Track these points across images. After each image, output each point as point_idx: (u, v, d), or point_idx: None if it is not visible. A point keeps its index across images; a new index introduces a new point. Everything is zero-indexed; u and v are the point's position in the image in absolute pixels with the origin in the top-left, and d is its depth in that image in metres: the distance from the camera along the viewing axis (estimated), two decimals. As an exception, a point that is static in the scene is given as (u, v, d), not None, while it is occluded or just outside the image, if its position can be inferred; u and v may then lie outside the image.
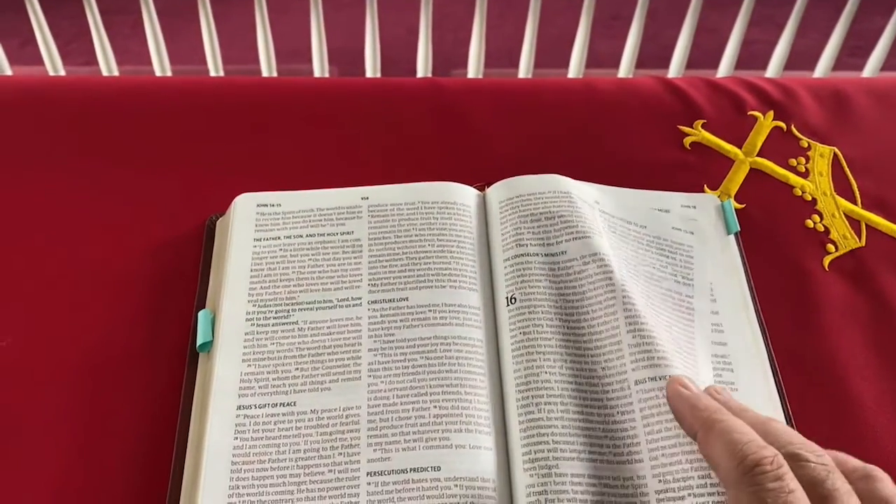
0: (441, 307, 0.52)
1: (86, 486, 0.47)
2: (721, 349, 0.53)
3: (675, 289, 0.55)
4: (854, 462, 0.38)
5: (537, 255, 0.54)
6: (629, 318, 0.49)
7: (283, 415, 0.48)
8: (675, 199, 0.60)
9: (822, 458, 0.36)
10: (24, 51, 1.46)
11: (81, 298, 0.55)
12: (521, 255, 0.54)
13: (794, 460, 0.35)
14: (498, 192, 0.58)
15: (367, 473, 0.46)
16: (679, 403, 0.42)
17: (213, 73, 1.13)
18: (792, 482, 0.34)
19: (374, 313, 0.52)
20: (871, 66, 1.14)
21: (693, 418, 0.40)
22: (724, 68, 1.15)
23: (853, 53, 1.32)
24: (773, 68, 1.16)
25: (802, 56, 1.21)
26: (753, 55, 1.22)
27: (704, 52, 1.25)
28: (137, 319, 0.54)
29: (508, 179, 0.58)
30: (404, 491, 0.45)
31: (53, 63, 1.10)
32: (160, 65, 1.11)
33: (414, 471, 0.45)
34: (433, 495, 0.44)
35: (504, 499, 0.45)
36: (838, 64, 1.14)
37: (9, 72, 1.12)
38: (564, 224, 0.55)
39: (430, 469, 0.45)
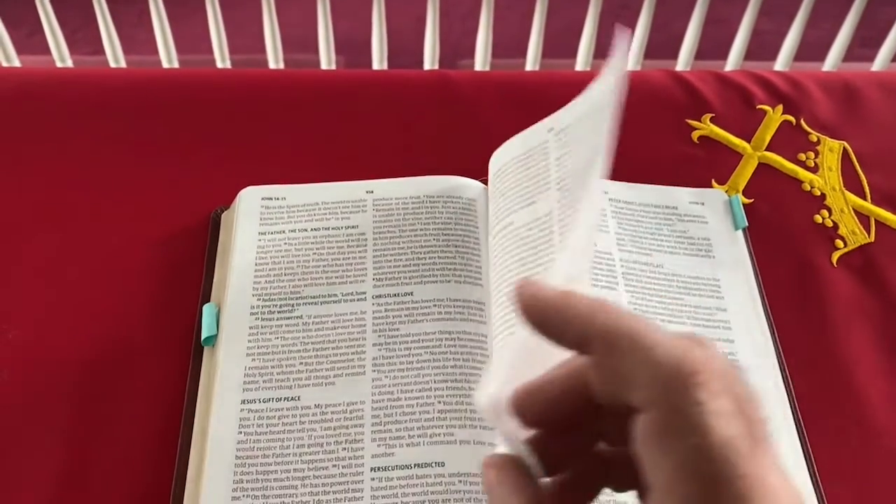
0: (446, 302, 0.52)
1: (90, 478, 0.47)
2: (729, 346, 0.52)
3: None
4: None
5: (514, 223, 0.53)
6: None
7: (287, 409, 0.48)
8: (682, 195, 0.60)
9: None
10: (32, 40, 1.46)
11: (86, 291, 0.55)
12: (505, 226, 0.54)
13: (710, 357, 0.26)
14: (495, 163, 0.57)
15: (371, 469, 0.46)
16: (546, 310, 0.28)
17: (219, 64, 1.13)
18: (728, 401, 0.24)
19: (379, 308, 0.52)
20: (883, 57, 1.13)
21: (577, 323, 0.27)
22: (733, 59, 1.14)
23: (864, 44, 1.31)
24: (783, 59, 1.15)
25: (813, 46, 1.20)
26: (763, 45, 1.21)
27: (713, 43, 1.24)
28: (143, 312, 0.54)
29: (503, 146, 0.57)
30: (408, 486, 0.45)
31: (60, 52, 1.10)
32: (167, 54, 1.11)
33: (418, 466, 0.45)
34: (437, 491, 0.44)
35: None
36: (849, 55, 1.13)
37: (17, 62, 1.12)
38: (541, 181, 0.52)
39: (433, 465, 0.45)
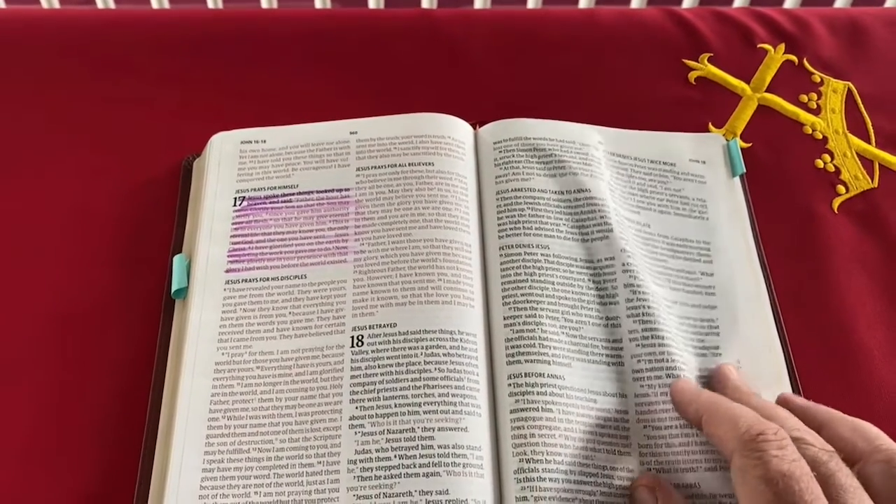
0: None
1: (58, 438, 0.46)
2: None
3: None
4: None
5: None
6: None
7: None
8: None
9: (826, 445, 0.37)
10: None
11: (51, 243, 0.53)
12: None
13: (798, 442, 0.36)
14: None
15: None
16: (682, 395, 0.44)
17: (210, 4, 1.09)
18: (794, 453, 0.35)
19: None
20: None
21: (698, 404, 0.41)
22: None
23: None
24: (791, -1, 1.10)
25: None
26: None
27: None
28: (111, 265, 0.52)
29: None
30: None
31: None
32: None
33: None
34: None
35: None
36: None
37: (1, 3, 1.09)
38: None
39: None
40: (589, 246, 0.50)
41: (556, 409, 0.44)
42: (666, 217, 0.53)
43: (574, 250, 0.50)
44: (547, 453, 0.42)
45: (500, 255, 0.50)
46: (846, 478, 0.35)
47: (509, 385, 0.45)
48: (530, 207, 0.51)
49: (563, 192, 0.52)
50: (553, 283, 0.48)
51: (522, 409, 0.44)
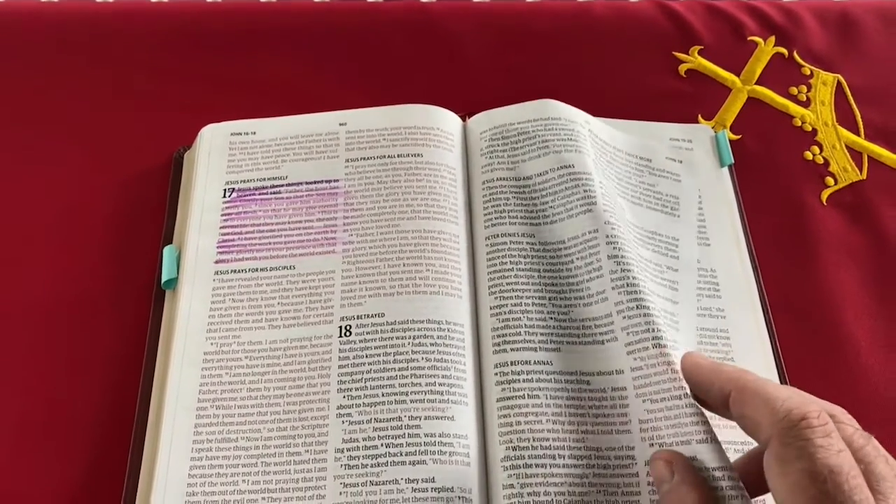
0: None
1: (48, 427, 0.46)
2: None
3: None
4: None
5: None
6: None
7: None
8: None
9: (856, 424, 0.34)
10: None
11: (43, 234, 0.53)
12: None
13: (834, 421, 0.33)
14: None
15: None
16: (700, 373, 0.39)
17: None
18: (839, 441, 0.32)
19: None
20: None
21: (722, 382, 0.37)
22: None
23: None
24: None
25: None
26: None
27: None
28: (103, 256, 0.52)
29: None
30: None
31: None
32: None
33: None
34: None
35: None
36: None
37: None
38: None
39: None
40: (574, 221, 0.49)
41: (544, 395, 0.44)
42: (637, 208, 0.53)
43: (560, 232, 0.49)
44: (534, 440, 0.43)
45: (486, 245, 0.50)
46: (884, 465, 0.32)
47: (496, 374, 0.45)
48: (515, 196, 0.51)
49: (547, 172, 0.51)
50: (539, 271, 0.48)
51: (508, 398, 0.44)
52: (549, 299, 0.47)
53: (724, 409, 0.37)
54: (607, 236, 0.48)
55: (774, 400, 0.33)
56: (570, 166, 0.51)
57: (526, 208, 0.51)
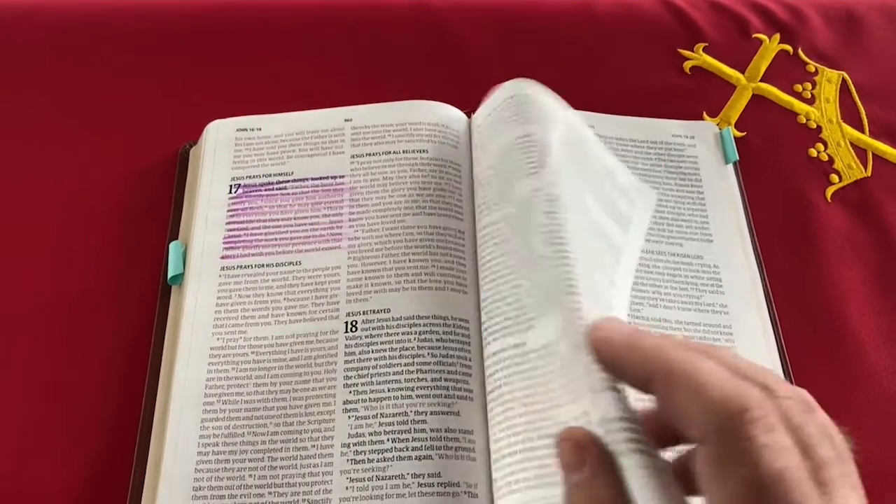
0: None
1: (55, 422, 0.46)
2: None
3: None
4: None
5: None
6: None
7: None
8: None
9: (795, 391, 0.28)
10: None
11: (49, 230, 0.53)
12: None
13: (772, 396, 0.27)
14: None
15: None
16: (611, 351, 0.31)
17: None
18: (784, 435, 0.26)
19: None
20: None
21: (642, 362, 0.30)
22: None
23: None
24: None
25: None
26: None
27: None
28: (109, 252, 0.52)
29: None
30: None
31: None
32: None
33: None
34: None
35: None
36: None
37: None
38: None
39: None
40: (522, 182, 0.44)
41: (519, 378, 0.41)
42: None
43: (514, 198, 0.45)
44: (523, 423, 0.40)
45: (478, 239, 0.49)
46: (828, 448, 0.27)
47: (487, 367, 0.45)
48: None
49: (514, 139, 0.47)
50: (512, 253, 0.45)
51: (494, 389, 0.43)
52: (524, 275, 0.43)
53: (645, 391, 0.30)
54: (548, 195, 0.43)
55: (706, 387, 0.27)
56: (530, 134, 0.47)
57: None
